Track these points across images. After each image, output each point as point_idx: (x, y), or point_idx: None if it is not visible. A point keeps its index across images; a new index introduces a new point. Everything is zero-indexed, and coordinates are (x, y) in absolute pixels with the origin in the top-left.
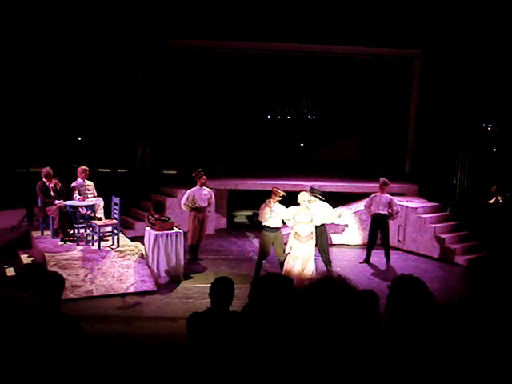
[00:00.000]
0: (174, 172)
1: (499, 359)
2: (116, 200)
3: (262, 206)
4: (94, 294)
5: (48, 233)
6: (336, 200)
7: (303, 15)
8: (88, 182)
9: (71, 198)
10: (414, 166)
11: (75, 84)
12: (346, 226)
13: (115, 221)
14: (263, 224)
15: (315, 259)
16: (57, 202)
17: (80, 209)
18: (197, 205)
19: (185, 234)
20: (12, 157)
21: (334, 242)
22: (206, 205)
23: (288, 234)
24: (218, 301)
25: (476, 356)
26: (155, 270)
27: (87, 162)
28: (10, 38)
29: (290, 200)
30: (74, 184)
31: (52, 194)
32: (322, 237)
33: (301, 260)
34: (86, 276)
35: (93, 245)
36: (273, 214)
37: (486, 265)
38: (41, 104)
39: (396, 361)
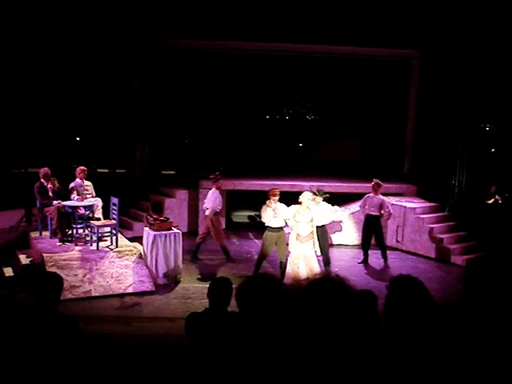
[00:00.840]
0: (173, 172)
1: (498, 359)
2: (114, 200)
3: (263, 207)
4: (93, 294)
5: (46, 233)
6: (335, 200)
7: (302, 16)
8: (86, 183)
9: (70, 199)
10: (412, 167)
11: (74, 84)
12: (341, 222)
13: (114, 221)
14: (266, 224)
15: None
16: (55, 202)
17: (78, 209)
18: (217, 208)
19: (184, 234)
20: (11, 157)
21: (332, 243)
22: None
23: (288, 233)
24: (217, 301)
25: (475, 356)
26: (154, 271)
27: (86, 163)
28: (10, 38)
29: (290, 200)
30: (72, 184)
31: (50, 194)
32: (323, 237)
33: (303, 260)
34: (85, 276)
35: (91, 245)
36: (276, 214)
37: (485, 265)
38: (40, 104)
39: (395, 361)
